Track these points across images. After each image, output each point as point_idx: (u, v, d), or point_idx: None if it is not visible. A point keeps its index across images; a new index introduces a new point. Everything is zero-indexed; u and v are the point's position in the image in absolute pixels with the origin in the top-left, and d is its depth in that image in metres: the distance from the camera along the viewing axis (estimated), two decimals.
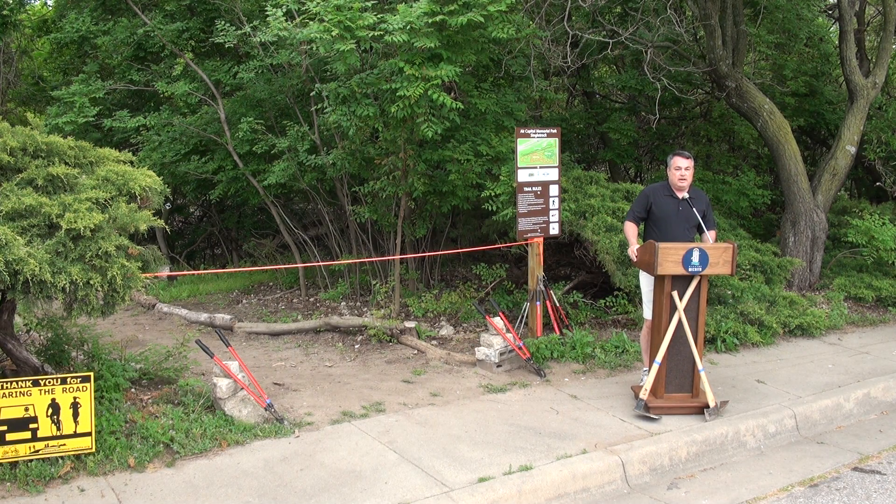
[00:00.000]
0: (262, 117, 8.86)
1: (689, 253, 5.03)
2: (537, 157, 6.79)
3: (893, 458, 4.93)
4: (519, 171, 6.73)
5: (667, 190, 5.53)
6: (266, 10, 7.06)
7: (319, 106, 7.81)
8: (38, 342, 5.56)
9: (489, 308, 6.57)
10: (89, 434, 4.27)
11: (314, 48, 6.90)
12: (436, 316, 8.09)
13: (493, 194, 7.44)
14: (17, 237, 3.87)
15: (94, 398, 4.43)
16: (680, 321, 5.18)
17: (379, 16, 6.51)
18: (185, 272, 11.19)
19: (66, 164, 4.42)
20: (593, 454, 4.59)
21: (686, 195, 5.47)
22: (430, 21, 6.37)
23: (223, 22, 8.27)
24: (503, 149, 7.59)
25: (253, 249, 11.88)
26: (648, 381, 5.25)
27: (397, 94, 6.65)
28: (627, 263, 6.88)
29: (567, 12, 8.02)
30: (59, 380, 4.23)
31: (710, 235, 5.44)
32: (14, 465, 4.15)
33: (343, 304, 8.71)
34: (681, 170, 5.41)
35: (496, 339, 6.22)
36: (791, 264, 8.11)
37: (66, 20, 10.21)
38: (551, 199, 6.92)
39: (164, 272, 9.96)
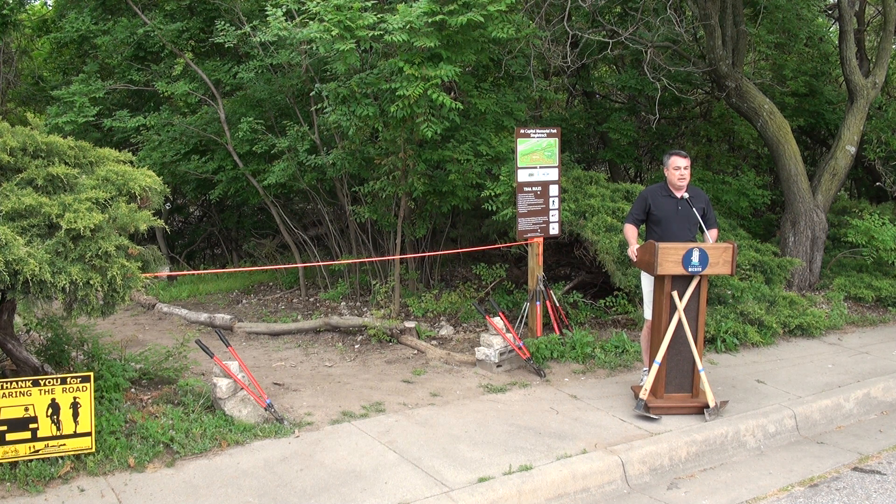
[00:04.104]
0: (262, 117, 8.86)
1: (689, 253, 5.03)
2: (537, 157, 6.79)
3: (893, 458, 4.93)
4: (519, 171, 6.73)
5: (664, 190, 5.53)
6: (266, 10, 7.06)
7: (319, 106, 7.81)
8: (38, 342, 5.57)
9: (489, 308, 6.57)
10: (89, 434, 4.27)
11: (314, 48, 6.90)
12: (436, 316, 8.09)
13: (493, 194, 7.44)
14: (17, 237, 3.87)
15: (94, 398, 4.43)
16: (680, 321, 5.18)
17: (379, 16, 6.51)
18: (185, 272, 11.19)
19: (66, 164, 4.42)
20: (593, 454, 4.59)
21: (685, 194, 5.47)
22: (429, 21, 6.37)
23: (223, 22, 8.27)
24: (503, 149, 7.59)
25: (253, 249, 11.87)
26: (648, 381, 5.25)
27: (397, 93, 6.65)
28: (627, 263, 6.88)
29: (567, 12, 8.02)
30: (58, 380, 4.23)
31: (710, 235, 5.44)
32: (14, 465, 4.15)
33: (343, 304, 8.71)
34: (680, 169, 5.42)
35: (496, 339, 6.22)
36: (791, 264, 8.11)
37: (66, 20, 10.21)
38: (551, 199, 6.92)
39: (164, 272, 9.96)
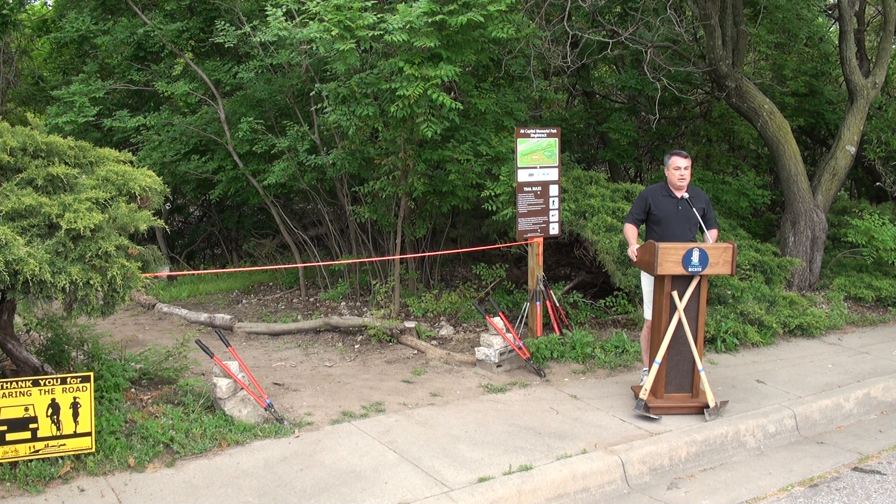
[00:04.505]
0: (262, 117, 8.86)
1: (689, 253, 5.03)
2: (537, 157, 6.79)
3: (893, 458, 4.93)
4: (519, 171, 6.73)
5: (665, 190, 5.53)
6: (266, 10, 7.06)
7: (319, 106, 7.81)
8: (38, 342, 5.56)
9: (489, 308, 6.57)
10: (89, 434, 4.27)
11: (314, 48, 6.90)
12: (436, 316, 8.09)
13: (492, 194, 7.44)
14: (17, 237, 3.87)
15: (94, 398, 4.43)
16: (680, 321, 5.18)
17: (379, 16, 6.51)
18: (185, 272, 11.19)
19: (66, 164, 4.42)
20: (593, 454, 4.59)
21: (685, 195, 5.47)
22: (429, 21, 6.37)
23: (223, 22, 8.27)
24: (503, 149, 7.59)
25: (253, 249, 11.87)
26: (648, 381, 5.25)
27: (397, 93, 6.65)
28: (627, 263, 6.88)
29: (567, 12, 8.01)
30: (58, 380, 4.23)
31: (710, 235, 5.44)
32: (14, 465, 4.15)
33: (343, 304, 8.71)
34: (680, 169, 5.42)
35: (496, 339, 6.22)
36: (791, 264, 8.11)
37: (66, 20, 10.21)
38: (551, 199, 6.92)
39: (164, 272, 9.96)
